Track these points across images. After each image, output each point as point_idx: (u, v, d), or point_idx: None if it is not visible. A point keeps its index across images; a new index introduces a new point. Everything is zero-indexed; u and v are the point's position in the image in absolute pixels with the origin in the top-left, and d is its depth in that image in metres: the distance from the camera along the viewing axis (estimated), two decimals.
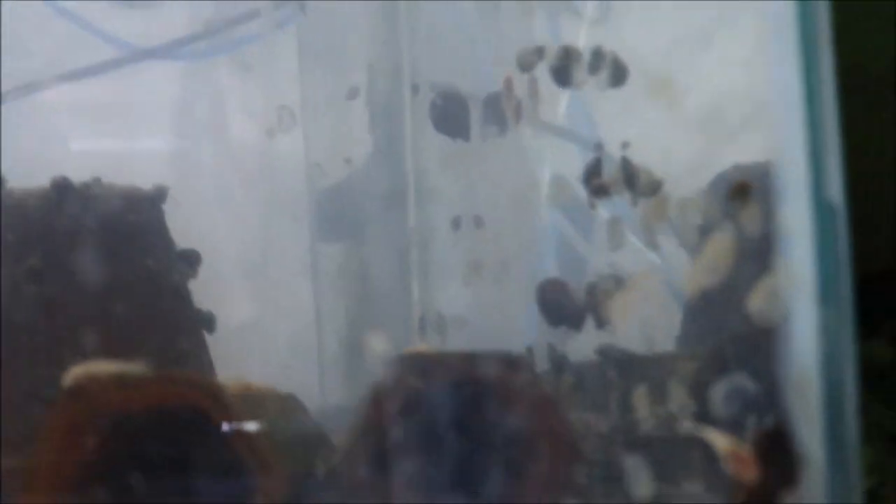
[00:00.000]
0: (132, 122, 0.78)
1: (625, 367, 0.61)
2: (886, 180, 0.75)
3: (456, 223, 0.69)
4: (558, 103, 0.63)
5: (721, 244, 0.55)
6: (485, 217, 0.68)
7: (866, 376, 0.59)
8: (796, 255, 0.51)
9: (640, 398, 0.57)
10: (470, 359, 0.58)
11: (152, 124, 0.80)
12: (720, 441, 0.52)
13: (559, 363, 0.62)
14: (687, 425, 0.54)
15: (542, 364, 0.63)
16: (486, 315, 0.67)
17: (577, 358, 0.64)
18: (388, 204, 0.75)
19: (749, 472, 0.51)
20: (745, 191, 0.52)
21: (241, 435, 0.54)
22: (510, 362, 0.57)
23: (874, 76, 0.71)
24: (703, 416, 0.55)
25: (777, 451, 0.50)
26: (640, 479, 0.53)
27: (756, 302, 0.50)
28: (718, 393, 0.54)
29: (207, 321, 0.67)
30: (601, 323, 0.61)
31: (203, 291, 0.70)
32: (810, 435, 0.51)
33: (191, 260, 0.66)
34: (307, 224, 0.79)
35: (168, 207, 0.68)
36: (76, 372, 0.54)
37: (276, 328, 0.76)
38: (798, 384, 0.51)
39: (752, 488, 0.50)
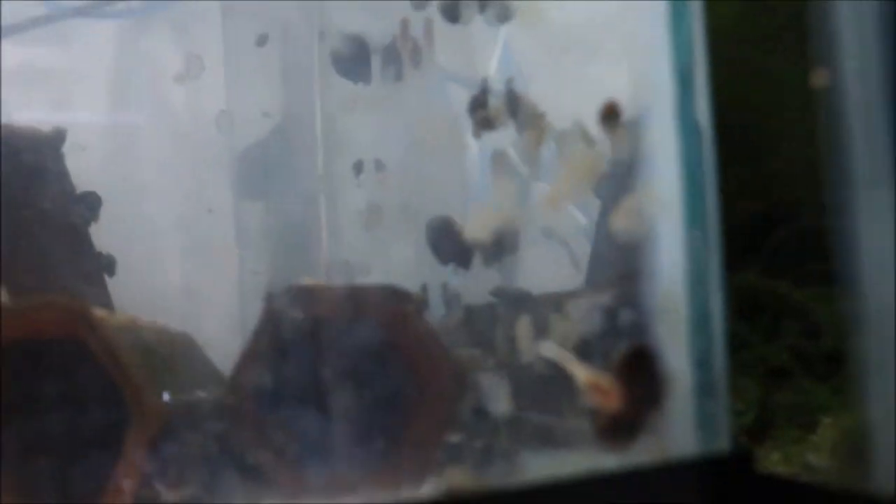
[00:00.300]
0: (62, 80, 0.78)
1: (513, 303, 0.61)
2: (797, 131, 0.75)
3: (358, 168, 0.69)
4: (451, 44, 0.63)
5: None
6: (385, 161, 0.68)
7: (745, 310, 0.60)
8: (662, 175, 0.51)
9: (523, 328, 0.57)
10: (354, 291, 0.59)
11: (83, 83, 0.80)
12: (581, 372, 0.52)
13: (450, 301, 0.62)
14: (552, 355, 0.54)
15: (434, 302, 0.63)
16: (387, 259, 0.67)
17: (472, 298, 0.64)
18: (300, 153, 0.75)
19: (610, 403, 0.51)
20: (614, 112, 0.52)
21: (118, 365, 0.54)
22: (392, 293, 0.57)
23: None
24: (583, 349, 0.55)
25: (640, 372, 0.50)
26: (499, 397, 0.53)
27: (619, 220, 0.51)
28: (591, 318, 0.54)
29: (108, 265, 0.67)
30: (488, 261, 0.61)
31: (125, 241, 0.70)
32: (677, 356, 0.51)
33: (91, 203, 0.66)
34: (229, 179, 0.79)
35: (85, 156, 0.69)
36: None
37: (200, 282, 0.76)
38: (664, 305, 0.51)
39: (616, 414, 0.51)
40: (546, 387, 0.57)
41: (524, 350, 0.58)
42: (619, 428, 0.50)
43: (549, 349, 0.53)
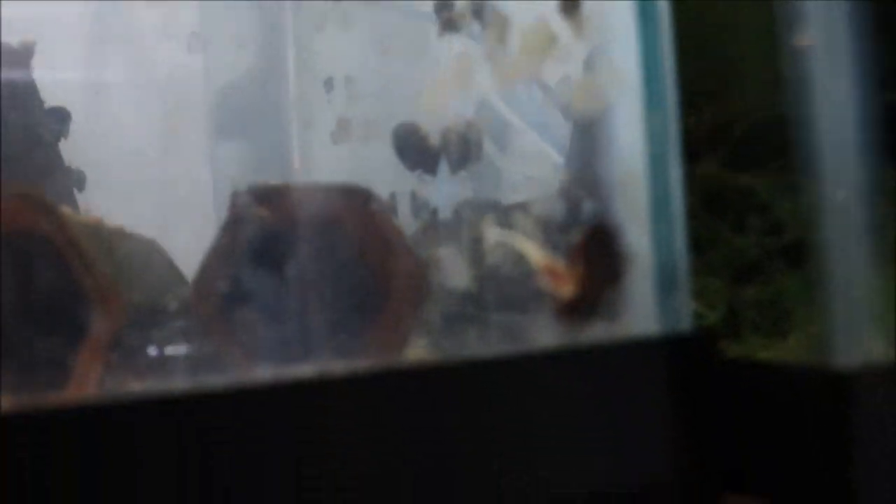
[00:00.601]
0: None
1: (478, 209, 0.61)
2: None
3: (328, 85, 0.69)
4: None
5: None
6: (355, 76, 0.68)
7: (709, 205, 0.59)
8: (621, 58, 0.51)
9: (487, 225, 0.57)
10: (318, 189, 0.58)
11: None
12: (535, 254, 0.52)
13: (419, 210, 0.63)
14: (505, 239, 0.54)
15: (402, 209, 0.63)
16: (357, 173, 0.67)
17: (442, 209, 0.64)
18: (273, 79, 0.75)
19: (564, 286, 0.51)
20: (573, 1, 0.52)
21: (82, 260, 0.54)
22: (356, 191, 0.57)
23: None
24: (547, 240, 0.55)
25: (599, 251, 0.50)
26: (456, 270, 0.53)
27: (577, 98, 0.51)
28: (554, 210, 0.54)
29: (78, 181, 0.67)
30: (454, 168, 0.61)
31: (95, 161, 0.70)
32: (637, 237, 0.51)
33: (61, 117, 0.66)
34: (202, 106, 0.79)
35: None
36: None
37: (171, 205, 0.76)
38: (623, 184, 0.51)
39: (575, 295, 0.51)
40: (512, 287, 0.57)
41: (489, 250, 0.58)
42: (579, 308, 0.50)
43: (501, 234, 0.53)
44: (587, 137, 0.52)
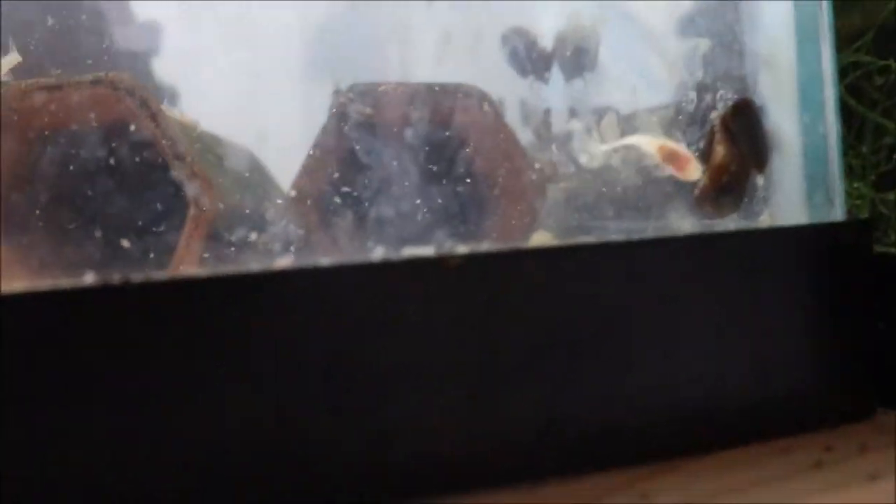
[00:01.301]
0: None
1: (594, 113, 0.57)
2: None
3: None
4: None
5: None
6: None
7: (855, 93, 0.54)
8: None
9: (609, 127, 0.53)
10: (425, 88, 0.55)
11: None
12: (651, 144, 0.48)
13: (528, 113, 0.59)
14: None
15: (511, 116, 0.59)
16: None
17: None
18: None
19: (688, 169, 0.46)
20: None
21: (175, 152, 0.51)
22: (467, 91, 0.54)
23: None
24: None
25: (743, 130, 0.46)
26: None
27: None
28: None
29: (171, 96, 0.64)
30: (569, 74, 0.57)
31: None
32: (785, 117, 0.47)
33: (152, 31, 0.63)
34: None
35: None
36: (9, 91, 0.51)
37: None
38: (770, 63, 0.47)
39: (713, 178, 0.46)
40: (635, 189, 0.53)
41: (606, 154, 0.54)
42: (721, 191, 0.45)
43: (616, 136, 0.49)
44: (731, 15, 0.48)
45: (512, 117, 0.61)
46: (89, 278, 0.37)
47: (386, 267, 0.40)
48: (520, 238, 0.52)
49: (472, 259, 0.39)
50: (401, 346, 0.39)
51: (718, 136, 0.45)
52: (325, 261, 0.39)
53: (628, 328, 0.41)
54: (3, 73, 0.53)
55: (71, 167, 0.50)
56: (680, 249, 0.42)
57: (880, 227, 0.52)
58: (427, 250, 0.42)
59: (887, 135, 0.51)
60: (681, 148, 0.47)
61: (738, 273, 0.43)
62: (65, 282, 0.38)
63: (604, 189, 0.54)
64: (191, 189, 0.49)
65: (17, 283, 0.43)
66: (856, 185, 0.51)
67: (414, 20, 0.68)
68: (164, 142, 0.50)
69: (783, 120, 0.46)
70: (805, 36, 0.46)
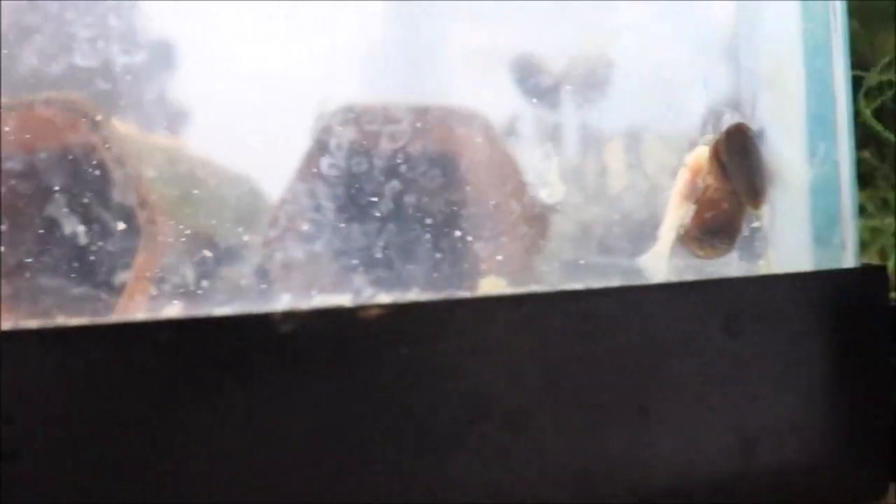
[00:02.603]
0: None
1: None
2: None
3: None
4: None
5: None
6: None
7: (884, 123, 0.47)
8: None
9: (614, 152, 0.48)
10: (417, 110, 0.50)
11: None
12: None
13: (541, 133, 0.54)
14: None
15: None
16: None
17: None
18: None
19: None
20: None
21: (128, 183, 0.48)
22: (456, 113, 0.49)
23: None
24: None
25: (736, 155, 0.39)
26: None
27: None
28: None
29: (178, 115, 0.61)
30: (578, 101, 0.52)
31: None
32: (790, 144, 0.40)
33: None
34: None
35: None
36: None
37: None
38: (774, 82, 0.41)
39: (711, 211, 0.40)
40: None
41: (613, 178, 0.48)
42: (711, 231, 0.39)
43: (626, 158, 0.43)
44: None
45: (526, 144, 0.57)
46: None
47: (289, 317, 0.36)
48: (517, 268, 0.47)
49: (394, 309, 0.35)
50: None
51: (707, 167, 0.39)
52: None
53: (581, 392, 0.36)
54: None
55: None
56: (650, 300, 0.37)
57: None
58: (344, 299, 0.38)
59: None
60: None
61: (725, 327, 0.38)
62: None
63: (614, 225, 0.49)
64: (141, 216, 0.46)
65: None
66: (888, 221, 0.44)
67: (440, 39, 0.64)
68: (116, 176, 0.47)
69: (787, 148, 0.39)
70: (814, 50, 0.39)
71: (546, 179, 0.45)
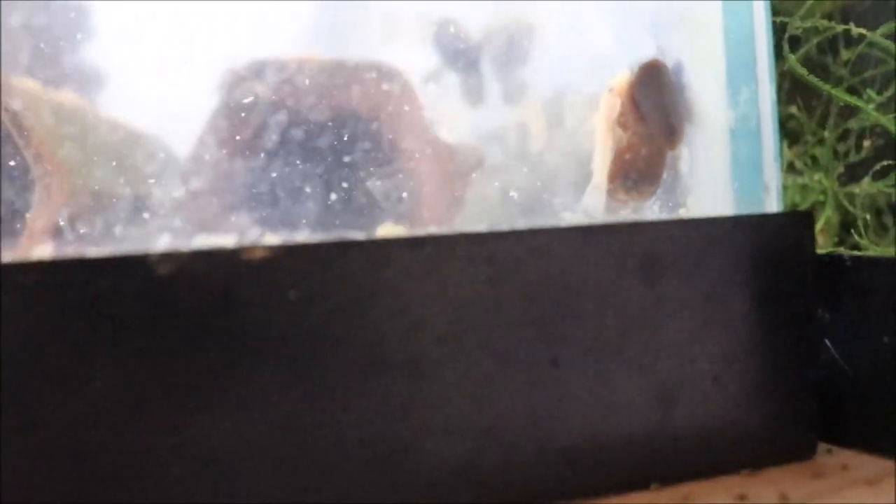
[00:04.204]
0: None
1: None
2: None
3: None
4: None
5: None
6: None
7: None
8: None
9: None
10: (325, 65, 0.48)
11: None
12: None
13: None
14: None
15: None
16: None
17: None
18: None
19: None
20: None
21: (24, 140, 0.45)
22: (378, 68, 0.47)
23: None
24: None
25: (652, 94, 0.37)
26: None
27: None
28: None
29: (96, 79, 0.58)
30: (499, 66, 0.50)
31: None
32: (710, 86, 0.38)
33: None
34: None
35: None
36: None
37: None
38: (691, 20, 0.38)
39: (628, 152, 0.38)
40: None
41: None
42: (631, 175, 0.37)
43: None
44: None
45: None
46: None
47: (166, 258, 0.33)
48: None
49: (282, 250, 0.32)
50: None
51: (622, 110, 0.37)
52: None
53: (486, 341, 0.34)
54: None
55: None
56: (561, 243, 0.34)
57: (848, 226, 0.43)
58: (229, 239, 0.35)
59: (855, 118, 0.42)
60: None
61: (642, 274, 0.35)
62: None
63: (538, 183, 0.46)
64: (37, 171, 0.44)
65: None
66: (817, 177, 0.42)
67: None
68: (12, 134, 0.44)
69: (705, 89, 0.37)
70: None
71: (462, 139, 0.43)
